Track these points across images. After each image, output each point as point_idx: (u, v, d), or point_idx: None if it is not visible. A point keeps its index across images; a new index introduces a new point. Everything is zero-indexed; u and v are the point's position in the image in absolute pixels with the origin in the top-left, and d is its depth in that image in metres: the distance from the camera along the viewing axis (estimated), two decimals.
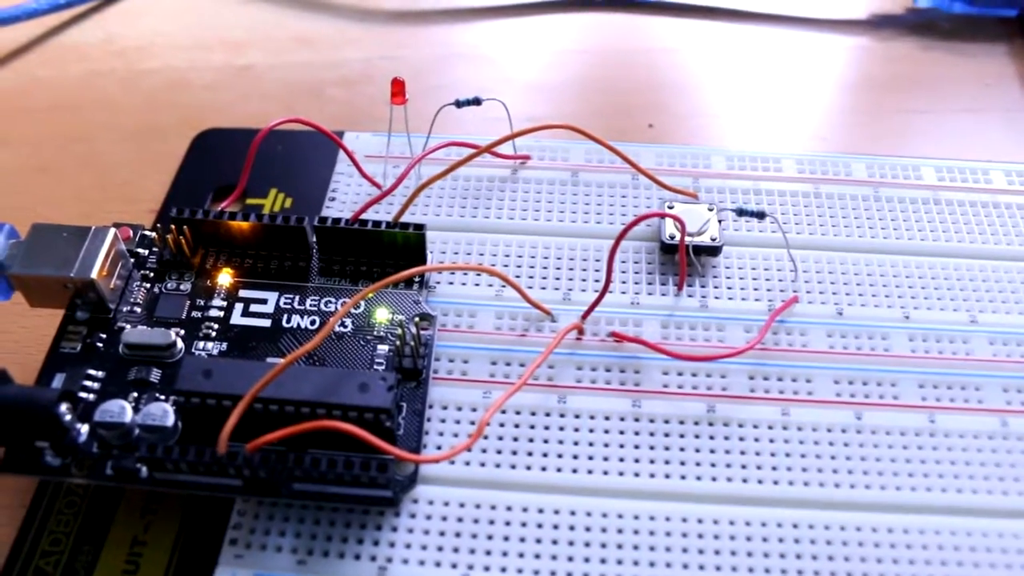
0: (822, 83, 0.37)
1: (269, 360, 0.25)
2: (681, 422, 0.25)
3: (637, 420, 0.25)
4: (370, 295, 0.25)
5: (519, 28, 0.39)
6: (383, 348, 0.25)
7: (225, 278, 0.26)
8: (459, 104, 0.29)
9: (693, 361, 0.25)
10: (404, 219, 0.27)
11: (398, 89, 0.28)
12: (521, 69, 0.37)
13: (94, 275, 0.24)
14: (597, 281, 0.27)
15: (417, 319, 0.25)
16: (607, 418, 0.25)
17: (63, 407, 0.23)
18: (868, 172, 0.30)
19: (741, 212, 0.26)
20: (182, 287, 0.26)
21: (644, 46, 0.38)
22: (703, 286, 0.27)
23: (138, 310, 0.26)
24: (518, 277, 0.27)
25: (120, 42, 0.39)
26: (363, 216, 0.27)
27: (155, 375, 0.24)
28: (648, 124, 0.34)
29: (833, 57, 0.38)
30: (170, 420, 0.23)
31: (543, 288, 0.27)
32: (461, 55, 0.38)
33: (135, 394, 0.24)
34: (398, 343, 0.24)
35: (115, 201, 0.32)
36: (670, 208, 0.28)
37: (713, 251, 0.27)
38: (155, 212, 0.31)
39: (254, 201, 0.31)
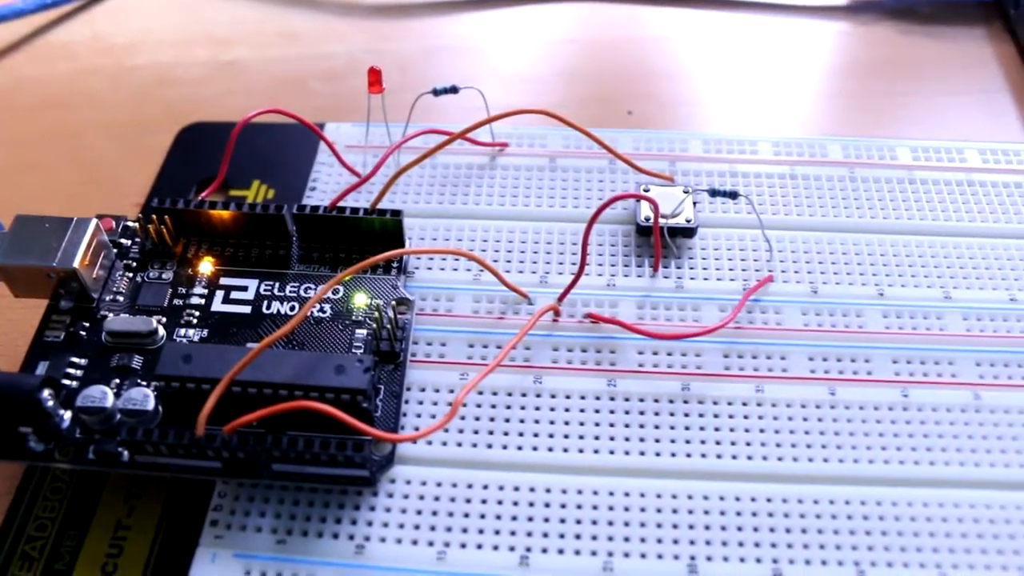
0: (803, 69, 0.37)
1: (249, 345, 0.25)
2: (656, 400, 0.25)
3: (612, 399, 0.25)
4: (347, 279, 0.26)
5: (505, 19, 0.40)
6: (361, 332, 0.25)
7: (206, 266, 0.27)
8: (436, 92, 0.30)
9: (667, 340, 0.26)
10: (382, 206, 0.28)
11: (375, 79, 0.28)
12: (507, 60, 0.38)
13: (76, 264, 0.25)
14: (574, 264, 0.28)
15: (395, 303, 0.26)
16: (583, 397, 0.25)
17: (45, 393, 0.23)
18: (844, 153, 0.31)
19: (714, 193, 0.27)
20: (164, 276, 0.27)
21: (630, 35, 0.39)
22: (678, 267, 0.28)
23: (121, 299, 0.26)
24: (495, 262, 0.28)
25: (107, 40, 0.39)
26: (341, 203, 0.28)
27: (137, 362, 0.25)
28: (627, 111, 0.35)
29: (814, 43, 0.38)
30: (150, 404, 0.23)
31: (520, 272, 0.28)
32: (446, 47, 0.39)
33: (117, 380, 0.25)
34: (375, 327, 0.25)
35: (102, 196, 0.33)
36: (646, 191, 0.28)
37: (688, 232, 0.28)
38: (140, 206, 0.32)
39: (237, 192, 0.31)
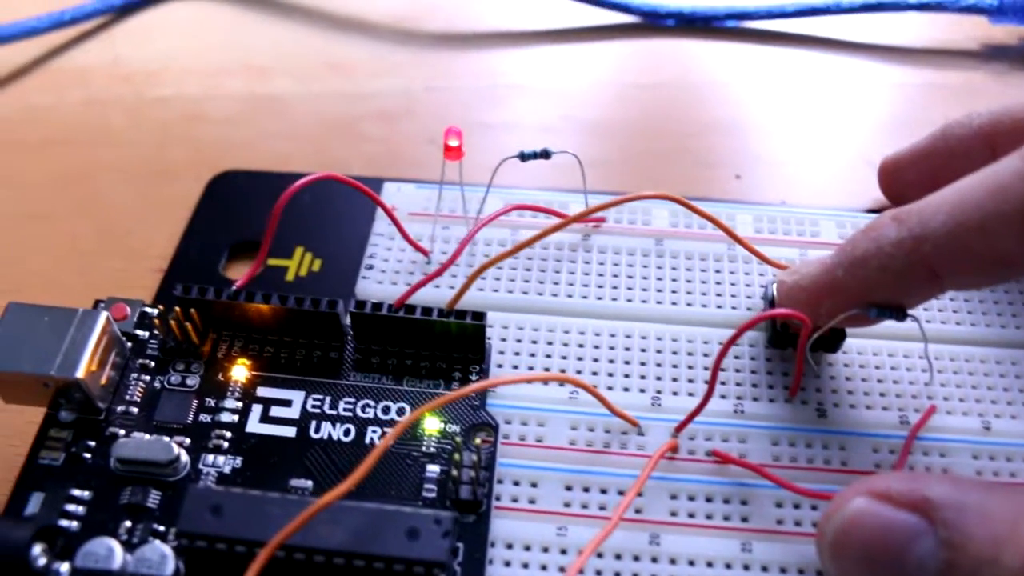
0: (932, 125, 0.31)
1: (292, 482, 0.20)
2: (801, 571, 0.20)
3: (747, 568, 0.20)
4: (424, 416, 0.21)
5: (583, 55, 0.35)
6: (433, 469, 0.20)
7: (241, 371, 0.22)
8: (524, 157, 0.24)
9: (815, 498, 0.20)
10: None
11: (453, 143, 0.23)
12: (585, 104, 0.33)
13: (80, 374, 0.20)
14: (690, 381, 0.23)
15: (475, 433, 0.21)
16: (710, 565, 0.20)
17: (37, 549, 0.18)
18: None
19: (881, 312, 0.21)
20: (188, 381, 0.22)
21: (727, 78, 0.33)
22: (819, 390, 0.22)
23: (135, 410, 0.21)
24: (595, 374, 0.23)
25: (129, 65, 0.34)
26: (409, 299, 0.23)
27: (153, 499, 0.20)
28: (735, 175, 0.29)
29: (942, 94, 0.33)
30: (169, 568, 0.18)
31: (626, 389, 0.22)
32: (516, 86, 0.33)
33: (128, 523, 0.20)
34: (452, 467, 0.20)
35: (116, 256, 0.28)
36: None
37: (831, 346, 0.23)
38: (162, 272, 0.27)
39: (276, 262, 0.26)
